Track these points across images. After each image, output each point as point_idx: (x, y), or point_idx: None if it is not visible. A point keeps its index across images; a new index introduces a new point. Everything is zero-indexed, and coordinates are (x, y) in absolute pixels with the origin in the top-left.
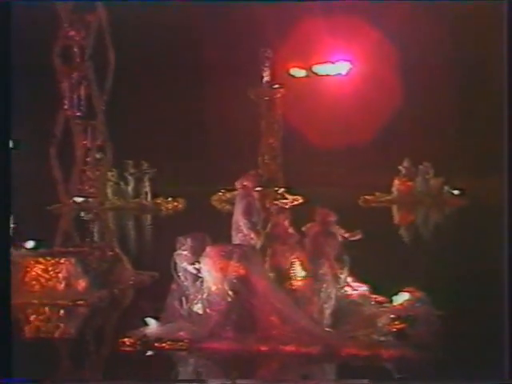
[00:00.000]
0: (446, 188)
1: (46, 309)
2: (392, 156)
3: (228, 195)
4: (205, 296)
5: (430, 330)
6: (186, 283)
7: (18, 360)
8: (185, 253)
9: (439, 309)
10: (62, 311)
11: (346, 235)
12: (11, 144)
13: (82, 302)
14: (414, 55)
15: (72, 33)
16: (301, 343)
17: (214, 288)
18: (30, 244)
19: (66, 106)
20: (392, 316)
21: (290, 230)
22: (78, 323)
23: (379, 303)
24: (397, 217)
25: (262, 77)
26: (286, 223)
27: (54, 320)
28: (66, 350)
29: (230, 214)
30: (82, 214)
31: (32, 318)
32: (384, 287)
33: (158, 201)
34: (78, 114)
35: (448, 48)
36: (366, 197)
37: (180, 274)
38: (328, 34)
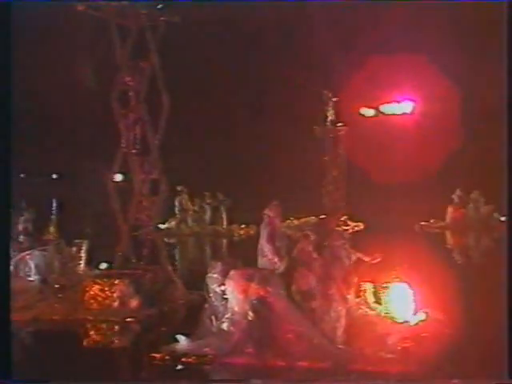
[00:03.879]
0: (495, 215)
1: (104, 325)
2: (446, 186)
3: (296, 222)
4: (228, 315)
5: (438, 348)
6: (216, 303)
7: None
8: (215, 276)
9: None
10: (116, 327)
11: (366, 259)
12: (119, 177)
13: (131, 319)
14: (468, 95)
15: (128, 78)
16: (314, 359)
17: (236, 308)
18: (104, 265)
19: (123, 144)
20: (403, 335)
21: (314, 255)
22: (129, 338)
23: (395, 322)
24: (450, 241)
25: (327, 116)
26: (311, 248)
27: (110, 334)
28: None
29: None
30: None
31: (91, 332)
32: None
33: (232, 227)
34: (134, 151)
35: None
36: (422, 223)
37: (211, 294)
38: (395, 75)
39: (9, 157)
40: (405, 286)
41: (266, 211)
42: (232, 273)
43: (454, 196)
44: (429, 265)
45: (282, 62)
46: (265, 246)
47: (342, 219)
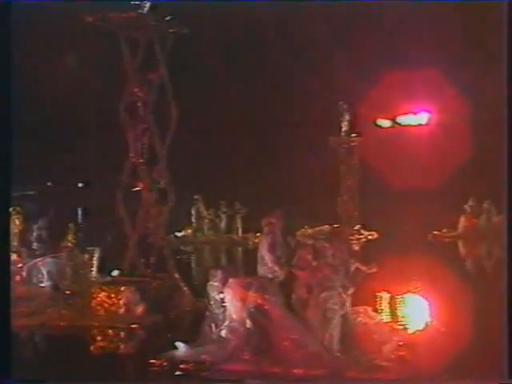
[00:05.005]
0: None
1: (110, 331)
2: (459, 196)
3: (310, 231)
4: (227, 323)
5: (436, 355)
6: (216, 311)
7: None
8: (216, 284)
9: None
10: (122, 333)
11: (363, 268)
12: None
13: (136, 326)
14: (483, 106)
15: (136, 89)
16: (310, 367)
17: (234, 316)
18: (115, 273)
19: (131, 154)
20: (400, 343)
21: (314, 264)
22: (134, 344)
23: (394, 331)
24: (463, 251)
25: (341, 127)
26: (310, 257)
27: (115, 340)
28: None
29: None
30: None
31: (97, 338)
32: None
33: (248, 236)
34: (142, 160)
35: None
36: (435, 233)
37: (212, 302)
38: (411, 86)
39: (9, 163)
40: (418, 296)
41: (268, 219)
42: (230, 281)
43: (466, 206)
44: (442, 274)
45: (296, 72)
46: (265, 254)
47: (356, 228)
